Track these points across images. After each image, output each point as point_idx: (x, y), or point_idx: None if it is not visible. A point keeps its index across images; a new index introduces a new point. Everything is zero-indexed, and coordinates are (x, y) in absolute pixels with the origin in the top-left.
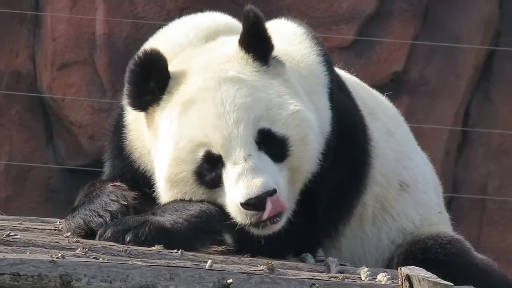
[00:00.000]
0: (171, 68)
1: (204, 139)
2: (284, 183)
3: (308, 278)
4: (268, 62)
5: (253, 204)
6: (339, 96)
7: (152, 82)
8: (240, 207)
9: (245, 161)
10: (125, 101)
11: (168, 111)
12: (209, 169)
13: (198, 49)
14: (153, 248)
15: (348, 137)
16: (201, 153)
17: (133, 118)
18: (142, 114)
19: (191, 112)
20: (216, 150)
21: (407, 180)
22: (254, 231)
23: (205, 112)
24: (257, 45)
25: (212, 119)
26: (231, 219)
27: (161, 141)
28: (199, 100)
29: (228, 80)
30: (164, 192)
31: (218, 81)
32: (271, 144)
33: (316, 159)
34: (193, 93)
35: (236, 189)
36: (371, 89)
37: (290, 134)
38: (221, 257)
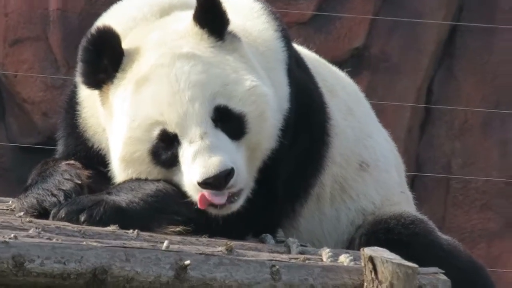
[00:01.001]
0: (125, 45)
1: (159, 117)
2: (242, 161)
3: (268, 260)
4: (224, 37)
5: (211, 183)
6: (298, 72)
7: (105, 59)
8: (197, 186)
9: (201, 139)
10: (78, 79)
11: (122, 89)
12: (165, 148)
13: (152, 24)
14: (108, 228)
15: (306, 115)
16: (156, 132)
17: (87, 95)
18: (96, 91)
19: (145, 90)
20: (171, 128)
21: (367, 159)
22: (212, 210)
23: (160, 89)
24: (212, 19)
25: (166, 97)
26: (188, 198)
27: (115, 120)
28: (153, 77)
29: (183, 56)
30: (119, 172)
31: (172, 57)
32: (228, 121)
33: (274, 135)
34: (147, 70)
35: (193, 168)
36: (330, 65)
37: (247, 110)
38: (178, 238)
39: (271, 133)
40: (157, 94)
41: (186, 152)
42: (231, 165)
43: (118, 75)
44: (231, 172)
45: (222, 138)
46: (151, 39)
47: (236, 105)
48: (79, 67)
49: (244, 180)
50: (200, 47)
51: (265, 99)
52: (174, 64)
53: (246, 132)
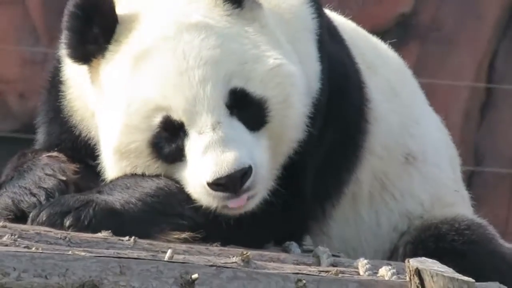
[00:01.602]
0: (119, 10)
1: (162, 101)
2: (263, 157)
3: (293, 273)
4: (242, 3)
5: (223, 184)
6: (330, 45)
7: (96, 27)
8: (207, 187)
9: (213, 130)
10: (63, 51)
11: (116, 64)
12: (168, 139)
13: None
14: (99, 234)
15: (339, 98)
16: (158, 119)
17: (73, 72)
18: (84, 67)
19: (145, 67)
20: (177, 115)
21: (414, 151)
22: (223, 210)
23: (163, 67)
24: None
25: (172, 77)
26: (194, 201)
27: (108, 102)
28: (155, 52)
29: (192, 26)
30: (110, 165)
31: (179, 28)
32: (246, 108)
33: (302, 124)
34: (148, 43)
35: (202, 166)
36: (370, 36)
37: (269, 94)
38: (183, 246)
39: (297, 122)
40: (159, 73)
41: (194, 145)
42: (249, 163)
43: (111, 47)
44: (248, 171)
45: (239, 128)
46: (152, 4)
47: (256, 88)
48: (64, 36)
49: (264, 179)
50: (213, 15)
51: (291, 81)
52: (181, 37)
53: (268, 121)
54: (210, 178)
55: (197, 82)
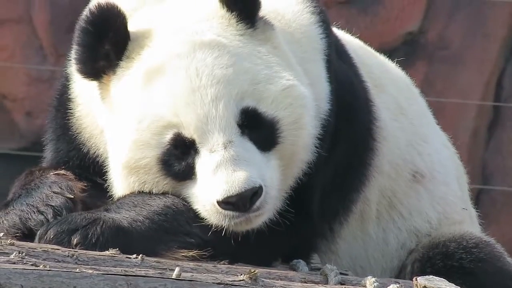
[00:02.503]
0: (131, 27)
1: (174, 119)
2: (273, 178)
3: None
4: (255, 24)
5: (233, 203)
6: (338, 64)
7: (107, 44)
8: (217, 205)
9: (224, 148)
10: (72, 68)
11: (127, 80)
12: (179, 156)
13: (165, 3)
14: (106, 252)
15: (347, 117)
16: (169, 136)
17: (82, 89)
18: (94, 84)
19: (157, 84)
20: (188, 133)
21: (422, 169)
22: (230, 226)
23: (176, 85)
24: (242, 1)
25: (184, 95)
26: (202, 220)
27: (118, 119)
28: (168, 69)
29: (205, 45)
30: (118, 181)
31: (192, 45)
32: (257, 128)
33: (311, 146)
34: (161, 60)
35: (213, 184)
36: (377, 54)
37: (281, 115)
38: (191, 264)
39: (308, 143)
40: (172, 91)
41: (205, 164)
42: (260, 182)
43: (123, 63)
44: (258, 191)
45: (250, 148)
46: (164, 22)
47: (267, 108)
48: (75, 52)
49: (274, 200)
50: (226, 34)
51: (302, 102)
52: (194, 55)
53: (279, 142)
54: (220, 197)
55: (209, 100)
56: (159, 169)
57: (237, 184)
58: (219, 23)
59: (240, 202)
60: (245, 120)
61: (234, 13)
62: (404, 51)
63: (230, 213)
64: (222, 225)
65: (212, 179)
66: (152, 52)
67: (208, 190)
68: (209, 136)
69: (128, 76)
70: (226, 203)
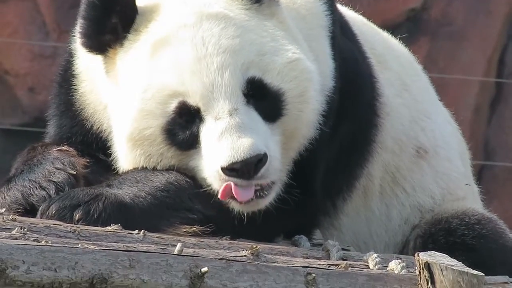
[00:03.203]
0: (139, 2)
1: (179, 87)
2: (276, 149)
3: (303, 266)
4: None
5: (238, 169)
6: (342, 41)
7: (115, 17)
8: (221, 172)
9: (230, 115)
10: (76, 44)
11: (134, 52)
12: (183, 125)
13: None
14: (108, 228)
15: (351, 93)
16: (173, 105)
17: (85, 65)
18: (99, 58)
19: (163, 54)
20: (193, 101)
21: (425, 144)
22: (235, 206)
23: (182, 54)
24: None
25: (190, 63)
26: (206, 188)
27: (123, 90)
28: (174, 39)
29: (212, 16)
30: (123, 154)
31: (199, 16)
32: (263, 98)
33: (315, 122)
34: (167, 31)
35: (218, 150)
36: (381, 31)
37: (286, 87)
38: (193, 240)
39: (312, 119)
40: (177, 60)
41: (210, 131)
42: (264, 150)
43: (130, 36)
44: (263, 159)
45: (255, 117)
46: None
47: (273, 80)
48: (80, 26)
49: (277, 171)
50: (233, 8)
51: (308, 76)
52: (200, 25)
53: (283, 114)
54: (225, 163)
55: (215, 68)
56: (163, 139)
57: (242, 150)
58: None
59: (245, 168)
60: (251, 90)
61: None
62: (407, 28)
63: (234, 180)
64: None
65: (217, 146)
66: (159, 25)
67: (213, 157)
68: (215, 104)
69: (136, 48)
70: (230, 170)
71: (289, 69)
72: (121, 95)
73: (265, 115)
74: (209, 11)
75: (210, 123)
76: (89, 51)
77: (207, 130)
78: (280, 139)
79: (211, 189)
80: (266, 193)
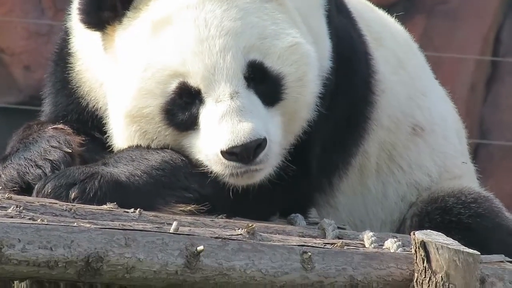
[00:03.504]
0: None
1: (180, 67)
2: (276, 133)
3: (299, 245)
4: None
5: (238, 153)
6: (337, 19)
7: None
8: (220, 155)
9: (231, 99)
10: (72, 22)
11: (134, 30)
12: (183, 106)
13: None
14: (104, 206)
15: (346, 69)
16: (174, 85)
17: (82, 43)
18: (97, 35)
19: (165, 34)
20: (194, 82)
21: (422, 122)
22: (230, 180)
23: (184, 34)
24: None
25: (192, 44)
26: (202, 167)
27: (122, 68)
28: (176, 19)
29: None
30: (119, 130)
31: None
32: (263, 82)
33: (313, 104)
34: (169, 10)
35: (218, 133)
36: (376, 9)
37: (286, 71)
38: (189, 218)
39: (310, 101)
40: (179, 40)
41: (210, 113)
42: (264, 135)
43: (129, 13)
44: (263, 143)
45: (255, 101)
46: None
47: (273, 64)
48: (79, 2)
49: (276, 155)
50: None
51: (307, 61)
52: (203, 6)
53: (283, 98)
54: (225, 146)
55: (217, 51)
56: (161, 118)
57: (242, 134)
58: None
59: (244, 153)
60: (252, 73)
61: None
62: (403, 6)
63: (232, 163)
64: (223, 175)
65: (217, 129)
66: (160, 3)
67: (213, 140)
68: (216, 86)
69: (135, 26)
70: (230, 154)
71: (289, 53)
72: (119, 72)
73: (264, 99)
74: None
75: (210, 105)
76: (87, 28)
77: (207, 112)
78: (280, 121)
79: (206, 169)
80: (261, 167)
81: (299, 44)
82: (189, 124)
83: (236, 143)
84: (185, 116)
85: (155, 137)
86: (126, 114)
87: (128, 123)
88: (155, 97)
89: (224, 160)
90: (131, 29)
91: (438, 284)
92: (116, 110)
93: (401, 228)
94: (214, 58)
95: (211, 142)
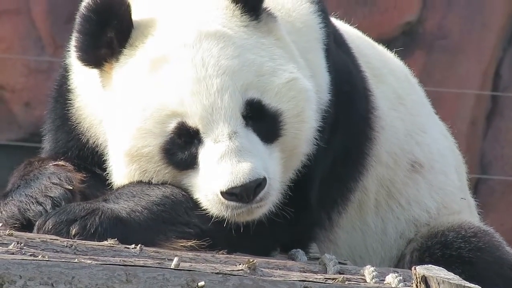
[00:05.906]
0: (135, 15)
1: (178, 107)
2: (275, 169)
3: (300, 280)
4: (259, 16)
5: (237, 194)
6: (337, 53)
7: (110, 31)
8: (220, 196)
9: (229, 139)
10: (71, 59)
11: (131, 68)
12: (182, 146)
13: None
14: (105, 242)
15: (345, 105)
16: (172, 125)
17: (81, 80)
18: (95, 72)
19: (162, 73)
20: (192, 122)
21: (421, 158)
22: (231, 216)
23: (181, 74)
24: None
25: (190, 84)
26: (202, 209)
27: (121, 106)
28: (173, 58)
29: (211, 35)
30: (118, 168)
31: (198, 35)
32: (261, 120)
33: (312, 139)
34: (166, 48)
35: (217, 174)
36: (376, 44)
37: (284, 108)
38: (190, 254)
39: (309, 136)
40: (177, 80)
41: (209, 154)
42: (264, 174)
43: (126, 51)
44: (262, 183)
45: (254, 140)
46: (169, 10)
47: (271, 101)
48: (76, 40)
49: (276, 191)
50: (231, 25)
51: (305, 96)
52: (200, 44)
53: (281, 134)
54: (224, 187)
55: (215, 90)
56: (161, 157)
57: (242, 175)
58: (223, 13)
59: (244, 193)
60: (250, 112)
61: (239, 4)
62: (402, 41)
63: (232, 203)
64: (223, 216)
65: (216, 169)
66: (157, 41)
67: (212, 180)
68: (214, 126)
69: (132, 64)
70: (230, 194)
71: (287, 89)
72: (118, 110)
73: (263, 136)
74: (208, 29)
75: (209, 145)
76: (84, 65)
77: (206, 152)
78: (280, 157)
79: (206, 211)
80: (262, 203)
81: (296, 79)
82: (188, 164)
83: (236, 184)
84: (185, 156)
85: (154, 176)
86: (126, 153)
87: (128, 162)
88: (154, 137)
89: (224, 200)
90: (129, 67)
91: None
92: (115, 148)
93: (400, 264)
94: (212, 98)
95: (210, 183)
